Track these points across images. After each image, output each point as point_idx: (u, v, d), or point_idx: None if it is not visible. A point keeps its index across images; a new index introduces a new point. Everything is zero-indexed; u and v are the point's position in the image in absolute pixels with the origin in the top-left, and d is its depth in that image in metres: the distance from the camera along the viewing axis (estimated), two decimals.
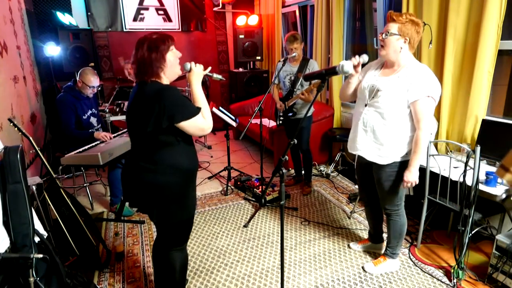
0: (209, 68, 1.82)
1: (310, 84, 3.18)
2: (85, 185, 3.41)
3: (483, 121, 2.55)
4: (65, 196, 2.44)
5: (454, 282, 2.20)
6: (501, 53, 2.49)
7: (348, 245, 2.67)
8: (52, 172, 2.41)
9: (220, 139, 5.54)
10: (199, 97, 1.71)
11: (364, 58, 2.02)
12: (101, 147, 2.99)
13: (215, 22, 5.91)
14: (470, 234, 2.15)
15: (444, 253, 2.53)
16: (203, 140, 5.40)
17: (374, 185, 2.25)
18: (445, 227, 2.81)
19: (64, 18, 4.39)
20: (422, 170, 2.25)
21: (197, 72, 1.73)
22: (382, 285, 2.24)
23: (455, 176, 2.25)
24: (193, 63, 1.73)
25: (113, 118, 3.74)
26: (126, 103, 4.15)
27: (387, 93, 1.97)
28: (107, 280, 2.34)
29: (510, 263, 2.06)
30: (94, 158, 2.74)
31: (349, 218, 3.11)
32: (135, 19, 5.36)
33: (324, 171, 4.14)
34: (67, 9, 4.67)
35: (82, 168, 3.47)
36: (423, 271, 2.36)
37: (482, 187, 2.15)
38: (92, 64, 4.14)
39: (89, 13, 5.03)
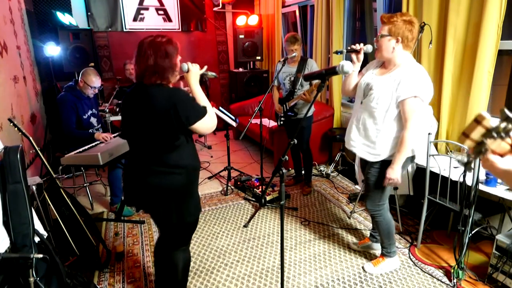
0: (205, 67, 1.84)
1: (310, 84, 3.18)
2: (85, 185, 3.41)
3: None
4: (65, 196, 2.44)
5: (454, 282, 2.20)
6: (501, 53, 2.49)
7: (348, 245, 2.67)
8: (52, 172, 2.40)
9: (220, 139, 5.54)
10: (201, 97, 1.72)
11: (368, 48, 2.03)
12: (101, 147, 2.99)
13: (215, 22, 5.91)
14: (470, 234, 2.15)
15: (444, 253, 2.53)
16: (203, 140, 5.40)
17: None
18: (445, 227, 2.81)
19: (64, 18, 4.39)
20: (422, 170, 2.25)
21: (195, 72, 1.74)
22: (382, 285, 2.24)
23: (455, 176, 2.26)
24: (189, 63, 1.74)
25: (113, 118, 3.74)
26: None
27: (377, 92, 1.99)
28: (107, 280, 2.34)
29: (510, 263, 2.06)
30: (94, 158, 2.75)
31: (349, 218, 3.11)
32: (135, 19, 5.36)
33: (324, 171, 4.14)
34: (67, 9, 4.66)
35: (82, 168, 3.48)
36: (423, 271, 2.36)
37: (482, 187, 2.15)
38: (92, 64, 4.15)
39: (89, 13, 5.03)
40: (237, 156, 4.87)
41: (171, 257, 1.83)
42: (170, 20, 5.58)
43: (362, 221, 3.04)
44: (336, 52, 2.20)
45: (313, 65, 3.30)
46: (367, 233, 2.79)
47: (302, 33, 5.20)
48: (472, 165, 0.71)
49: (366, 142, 2.11)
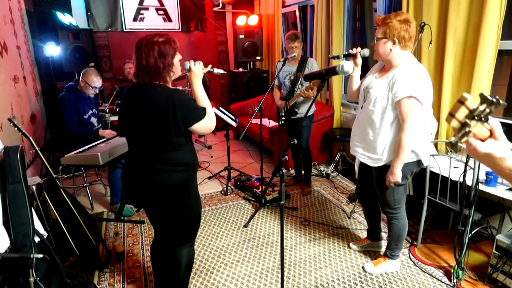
0: (210, 66, 1.82)
1: (310, 83, 3.18)
2: (85, 185, 3.41)
3: None
4: (65, 196, 2.44)
5: (454, 282, 2.20)
6: (501, 53, 2.49)
7: (348, 245, 2.67)
8: (52, 172, 2.40)
9: (220, 139, 5.54)
10: (202, 97, 1.72)
11: (365, 52, 2.02)
12: (101, 147, 2.99)
13: (215, 22, 5.91)
14: (470, 234, 2.15)
15: (444, 253, 2.53)
16: (203, 140, 5.39)
17: (371, 183, 2.25)
18: (445, 227, 2.81)
19: (64, 18, 4.39)
20: (422, 170, 2.25)
21: (197, 71, 1.72)
22: (382, 285, 2.24)
23: (455, 176, 2.26)
24: (192, 62, 1.72)
25: (113, 118, 3.74)
26: None
27: (374, 93, 1.97)
28: (107, 280, 2.34)
29: (510, 263, 2.06)
30: (94, 158, 2.75)
31: (349, 218, 3.11)
32: (135, 19, 5.36)
33: (324, 171, 4.14)
34: (67, 9, 4.66)
35: (82, 168, 3.48)
36: (423, 271, 2.36)
37: (482, 187, 2.15)
38: (92, 64, 4.15)
39: (89, 13, 5.03)
40: (237, 156, 4.87)
41: (173, 254, 1.82)
42: (170, 20, 5.58)
43: (362, 221, 3.03)
44: (334, 57, 2.24)
45: (313, 64, 3.30)
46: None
47: (302, 33, 5.19)
48: (458, 145, 0.78)
49: (367, 147, 2.09)
